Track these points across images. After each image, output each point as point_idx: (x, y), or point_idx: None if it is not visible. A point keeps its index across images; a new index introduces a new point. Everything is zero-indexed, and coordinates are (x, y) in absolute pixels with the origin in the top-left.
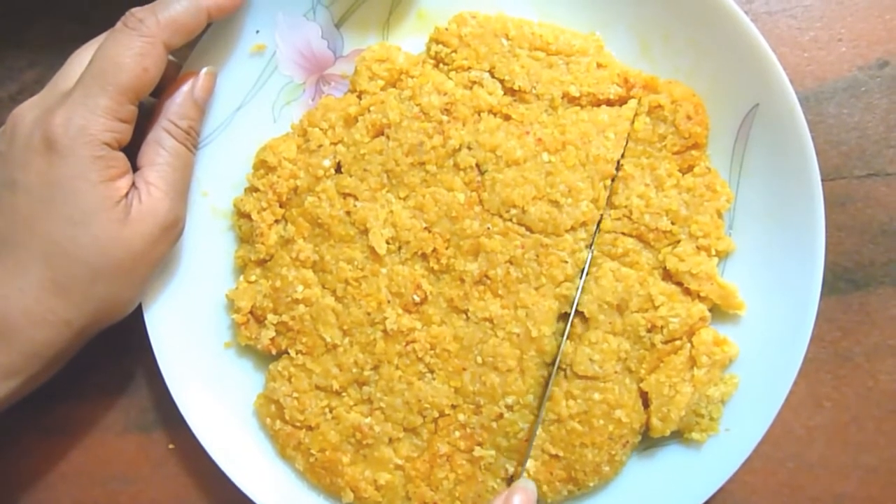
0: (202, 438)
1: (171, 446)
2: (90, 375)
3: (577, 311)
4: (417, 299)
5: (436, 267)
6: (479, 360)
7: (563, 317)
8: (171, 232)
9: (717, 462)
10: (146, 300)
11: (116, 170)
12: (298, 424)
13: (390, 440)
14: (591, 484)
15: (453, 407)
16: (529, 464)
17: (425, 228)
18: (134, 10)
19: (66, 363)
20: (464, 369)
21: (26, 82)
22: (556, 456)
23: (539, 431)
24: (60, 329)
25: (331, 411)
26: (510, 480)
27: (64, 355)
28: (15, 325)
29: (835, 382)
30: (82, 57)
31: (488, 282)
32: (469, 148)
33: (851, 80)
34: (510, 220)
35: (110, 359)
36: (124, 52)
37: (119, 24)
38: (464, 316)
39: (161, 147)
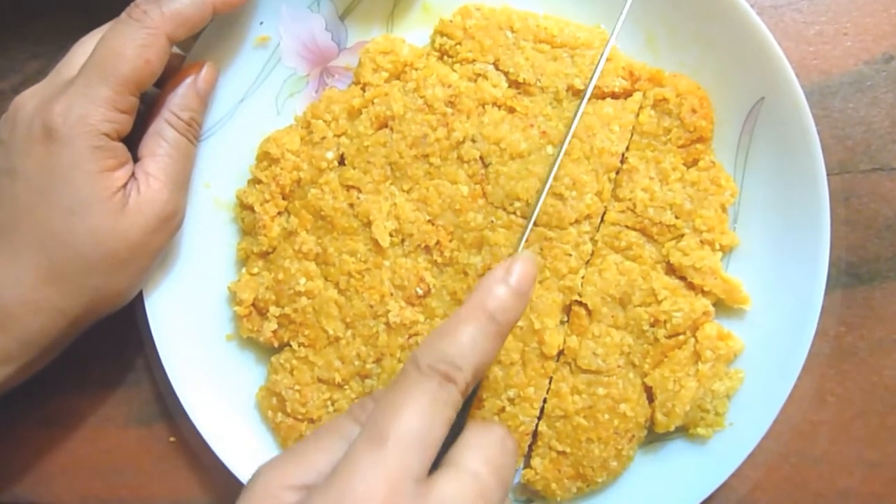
0: (204, 431)
1: (172, 439)
2: (91, 367)
3: (580, 303)
4: (420, 292)
5: (439, 260)
6: None
7: (567, 310)
8: (169, 223)
9: (720, 457)
10: (147, 292)
11: (115, 160)
12: (300, 417)
13: None
14: (600, 480)
15: None
16: (537, 462)
17: (429, 221)
18: (139, 1)
19: (65, 353)
20: None
21: (29, 73)
22: (564, 453)
23: (545, 428)
24: (55, 317)
25: (333, 404)
26: None
27: (59, 344)
28: (10, 312)
29: (839, 377)
30: (85, 46)
31: None
32: (473, 140)
33: (857, 75)
34: (514, 213)
35: (112, 351)
36: (127, 43)
37: (123, 15)
38: None
39: (162, 138)
